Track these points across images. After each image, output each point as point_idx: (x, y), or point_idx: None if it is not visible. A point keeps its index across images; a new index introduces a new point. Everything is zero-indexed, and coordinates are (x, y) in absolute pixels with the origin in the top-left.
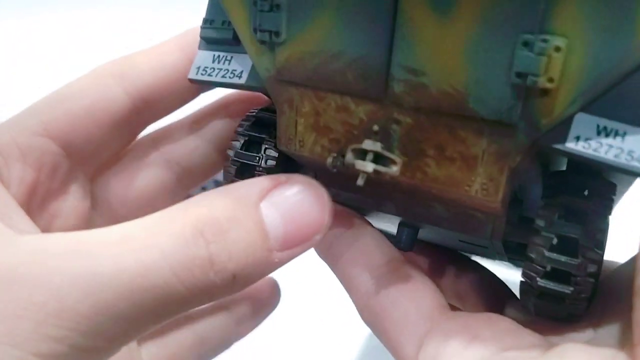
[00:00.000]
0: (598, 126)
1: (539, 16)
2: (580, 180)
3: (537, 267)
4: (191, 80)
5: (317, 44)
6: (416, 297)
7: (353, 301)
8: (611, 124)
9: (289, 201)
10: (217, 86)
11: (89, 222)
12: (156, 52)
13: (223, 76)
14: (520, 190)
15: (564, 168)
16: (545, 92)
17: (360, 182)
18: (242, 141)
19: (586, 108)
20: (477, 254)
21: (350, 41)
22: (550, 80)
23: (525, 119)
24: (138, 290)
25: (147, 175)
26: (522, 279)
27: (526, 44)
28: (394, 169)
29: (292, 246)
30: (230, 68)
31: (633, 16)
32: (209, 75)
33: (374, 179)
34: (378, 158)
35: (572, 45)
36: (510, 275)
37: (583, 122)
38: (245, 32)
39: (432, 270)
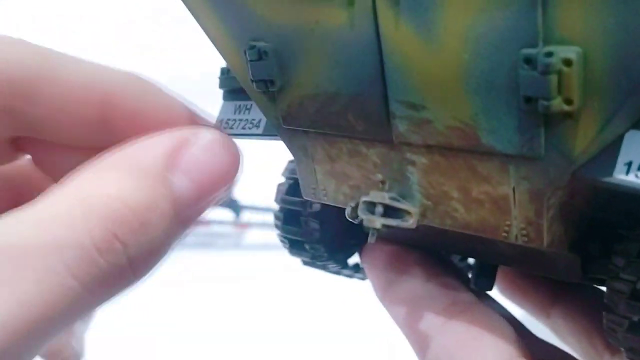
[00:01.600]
0: None
1: (539, 25)
2: None
3: (619, 317)
4: None
5: (313, 86)
6: (480, 347)
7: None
8: None
9: (198, 162)
10: (240, 138)
11: None
12: None
13: (243, 127)
14: (606, 209)
15: None
16: (568, 115)
17: (371, 239)
18: (287, 185)
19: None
20: None
21: (343, 80)
22: (569, 102)
23: (554, 150)
24: None
25: None
26: (605, 329)
27: (528, 60)
28: (410, 222)
29: (203, 200)
30: (250, 117)
31: None
32: (231, 127)
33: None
34: (392, 209)
35: (589, 53)
36: None
37: (636, 142)
38: (247, 84)
39: (541, 306)
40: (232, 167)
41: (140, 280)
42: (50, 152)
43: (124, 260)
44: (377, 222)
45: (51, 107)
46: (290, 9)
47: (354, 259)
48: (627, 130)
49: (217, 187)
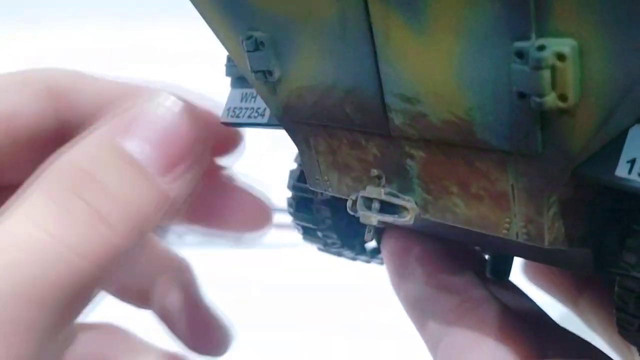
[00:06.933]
0: None
1: (531, 16)
2: None
3: (629, 316)
4: (223, 123)
5: (310, 78)
6: (482, 348)
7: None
8: None
9: (154, 127)
10: (246, 127)
11: None
12: None
13: (249, 116)
14: (623, 201)
15: None
16: (564, 111)
17: (367, 237)
18: (299, 172)
19: None
20: None
21: (339, 72)
22: (564, 98)
23: (551, 147)
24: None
25: None
26: (617, 327)
27: (520, 54)
28: (406, 218)
29: (174, 167)
30: (255, 106)
31: None
32: (237, 117)
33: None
34: (389, 204)
35: (585, 47)
36: None
37: None
38: (248, 74)
39: (569, 294)
40: (199, 130)
41: (127, 243)
42: None
43: (91, 214)
44: (373, 218)
45: None
46: None
47: (373, 243)
48: (631, 124)
49: (189, 151)
